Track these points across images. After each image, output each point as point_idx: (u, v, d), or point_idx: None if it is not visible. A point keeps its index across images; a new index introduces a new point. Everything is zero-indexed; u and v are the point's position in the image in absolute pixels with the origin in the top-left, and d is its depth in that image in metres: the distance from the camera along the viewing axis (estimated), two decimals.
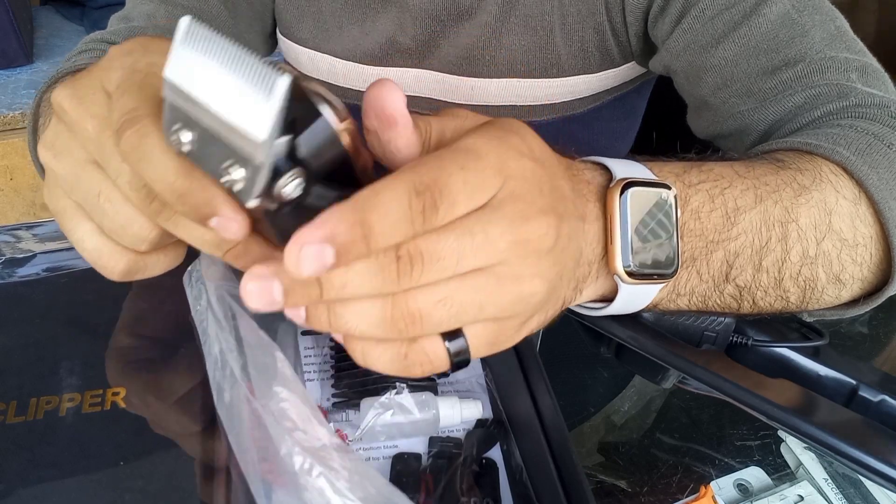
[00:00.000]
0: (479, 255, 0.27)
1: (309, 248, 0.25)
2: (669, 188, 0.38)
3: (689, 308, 0.41)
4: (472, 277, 0.28)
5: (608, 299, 0.39)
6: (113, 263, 0.33)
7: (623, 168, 0.38)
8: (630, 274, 0.36)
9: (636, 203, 0.36)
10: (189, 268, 0.43)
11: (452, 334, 0.30)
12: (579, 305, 0.41)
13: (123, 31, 0.65)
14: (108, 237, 0.32)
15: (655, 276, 0.37)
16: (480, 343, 0.30)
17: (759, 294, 0.42)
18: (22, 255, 0.57)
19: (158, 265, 0.35)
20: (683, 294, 0.40)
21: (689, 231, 0.39)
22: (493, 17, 0.63)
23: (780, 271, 0.42)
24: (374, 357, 0.30)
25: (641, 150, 0.83)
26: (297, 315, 0.29)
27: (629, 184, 0.36)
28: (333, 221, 0.25)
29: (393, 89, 0.29)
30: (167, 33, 0.65)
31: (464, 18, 0.64)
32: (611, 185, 0.36)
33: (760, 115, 0.54)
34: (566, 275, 0.33)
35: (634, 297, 0.38)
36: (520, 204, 0.28)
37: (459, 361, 0.30)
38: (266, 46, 0.76)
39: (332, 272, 0.26)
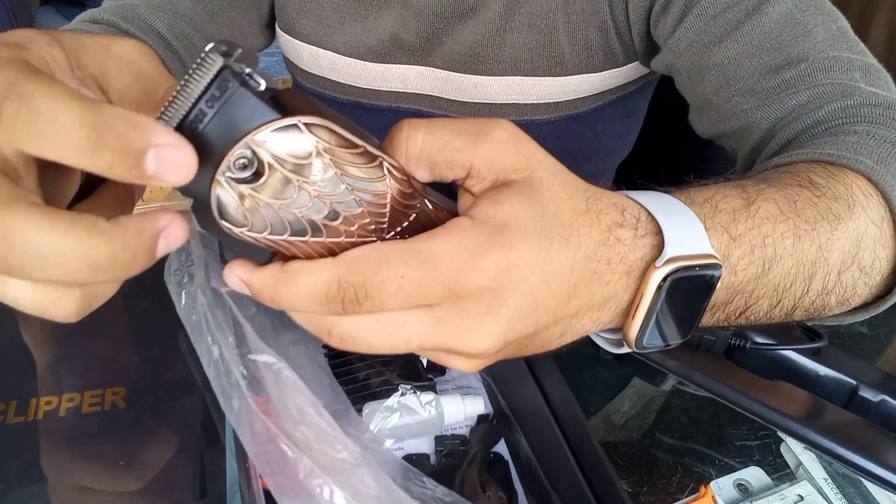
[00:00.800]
0: (409, 349, 0.29)
1: (232, 278, 0.28)
2: (718, 269, 0.34)
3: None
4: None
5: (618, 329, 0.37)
6: (63, 309, 0.27)
7: (675, 232, 0.33)
8: (639, 346, 0.34)
9: (675, 288, 0.32)
10: (167, 261, 0.43)
11: None
12: None
13: (115, 7, 0.64)
14: (40, 284, 0.26)
15: (666, 346, 0.36)
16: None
17: (765, 321, 0.41)
18: None
19: (110, 286, 0.29)
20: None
21: (722, 286, 0.36)
22: (498, 15, 0.63)
23: (794, 305, 0.41)
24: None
25: (642, 150, 0.83)
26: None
27: (674, 271, 0.32)
28: (251, 276, 0.28)
29: None
30: (161, 12, 0.64)
31: (468, 16, 0.64)
32: (656, 265, 0.32)
33: (763, 113, 0.54)
34: (528, 349, 0.32)
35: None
36: (466, 327, 0.28)
37: None
38: (262, 37, 0.75)
39: (285, 303, 0.28)
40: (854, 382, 0.48)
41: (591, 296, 0.32)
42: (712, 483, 0.47)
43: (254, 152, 0.25)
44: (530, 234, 0.28)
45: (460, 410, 0.48)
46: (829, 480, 0.47)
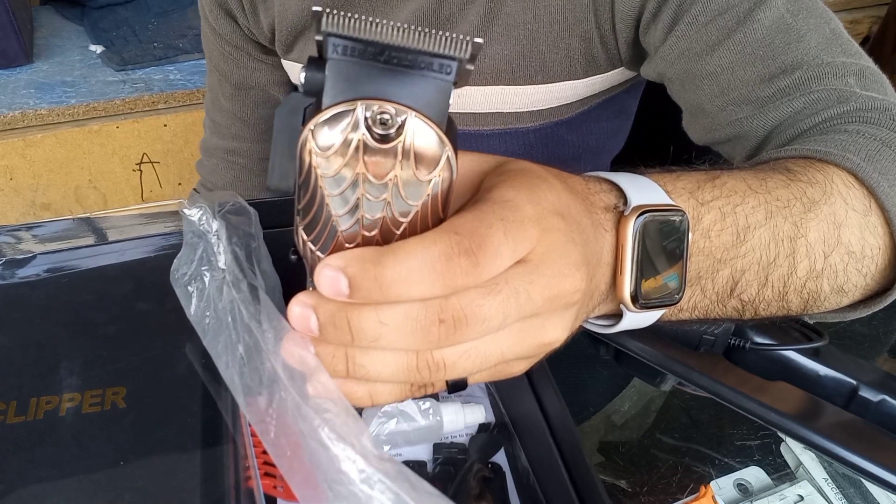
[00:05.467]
0: (520, 313, 0.28)
1: (328, 270, 0.26)
2: (683, 214, 0.36)
3: (690, 319, 0.41)
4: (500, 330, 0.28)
5: (612, 315, 0.38)
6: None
7: (636, 190, 0.36)
8: (635, 302, 0.35)
9: (648, 231, 0.35)
10: (174, 264, 0.43)
11: None
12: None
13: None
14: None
15: (660, 305, 0.37)
16: (483, 377, 0.31)
17: (761, 306, 0.42)
18: (22, 256, 0.57)
19: None
20: (686, 310, 0.40)
21: (699, 250, 0.38)
22: (475, 27, 0.63)
23: (785, 285, 0.41)
24: (382, 398, 0.30)
25: (635, 148, 0.83)
26: (304, 363, 0.29)
27: (643, 212, 0.35)
28: (349, 256, 0.26)
29: None
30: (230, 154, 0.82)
31: (445, 28, 0.64)
32: (625, 213, 0.35)
33: (759, 121, 0.54)
34: (582, 314, 0.33)
35: (638, 321, 0.38)
36: (557, 259, 0.28)
37: (456, 386, 0.31)
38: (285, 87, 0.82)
39: (367, 323, 0.26)
40: (854, 382, 0.48)
41: (602, 240, 0.34)
42: (712, 483, 0.47)
43: (404, 123, 0.24)
44: (552, 177, 0.31)
45: (460, 419, 0.48)
46: (829, 480, 0.47)
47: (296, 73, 0.76)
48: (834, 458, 0.42)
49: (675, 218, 0.36)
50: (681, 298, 0.37)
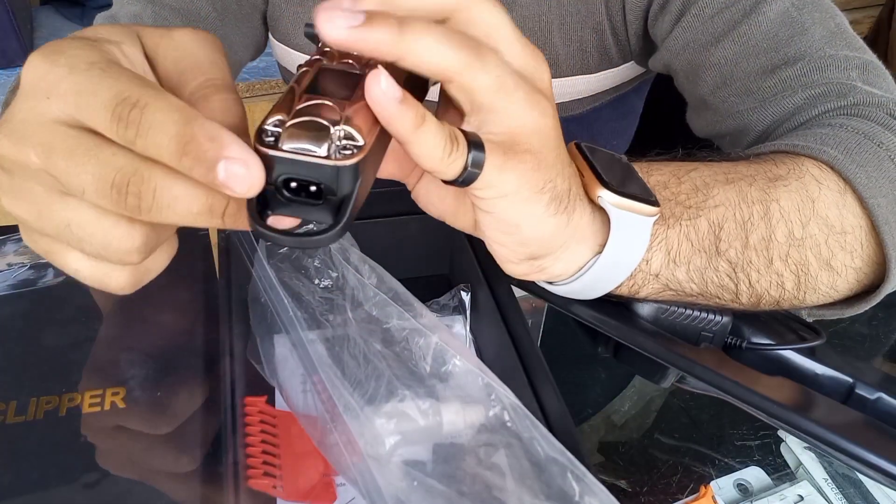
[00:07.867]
0: None
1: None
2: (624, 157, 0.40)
3: (690, 284, 0.41)
4: None
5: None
6: (116, 282, 0.32)
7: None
8: (612, 191, 0.36)
9: (597, 155, 0.39)
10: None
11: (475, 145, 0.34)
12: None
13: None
14: (99, 260, 0.31)
15: (639, 198, 0.37)
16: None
17: (753, 276, 0.42)
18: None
19: (159, 262, 0.34)
20: (680, 264, 0.40)
21: (661, 198, 0.39)
22: None
23: (767, 250, 0.41)
24: None
25: (640, 148, 0.83)
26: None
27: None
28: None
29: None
30: None
31: None
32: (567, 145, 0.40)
33: (760, 114, 0.54)
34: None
35: (631, 236, 0.38)
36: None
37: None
38: (250, 52, 0.75)
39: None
40: (850, 381, 0.48)
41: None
42: (712, 483, 0.47)
43: None
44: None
45: (460, 419, 0.48)
46: (829, 480, 0.47)
47: (287, 58, 0.73)
48: (833, 449, 0.42)
49: (618, 156, 0.39)
50: (656, 202, 0.37)
